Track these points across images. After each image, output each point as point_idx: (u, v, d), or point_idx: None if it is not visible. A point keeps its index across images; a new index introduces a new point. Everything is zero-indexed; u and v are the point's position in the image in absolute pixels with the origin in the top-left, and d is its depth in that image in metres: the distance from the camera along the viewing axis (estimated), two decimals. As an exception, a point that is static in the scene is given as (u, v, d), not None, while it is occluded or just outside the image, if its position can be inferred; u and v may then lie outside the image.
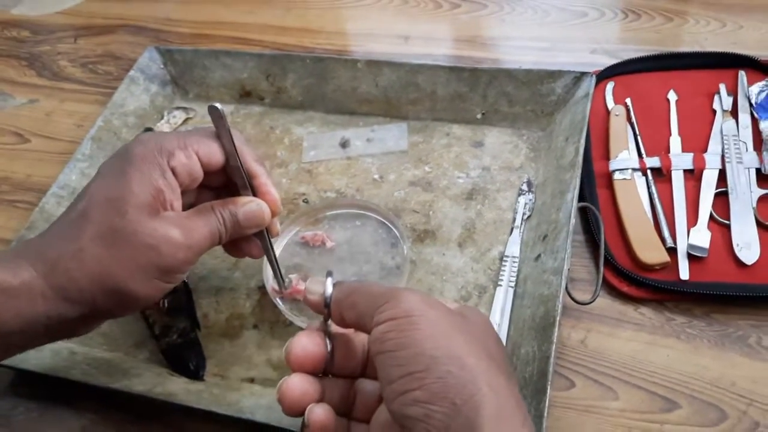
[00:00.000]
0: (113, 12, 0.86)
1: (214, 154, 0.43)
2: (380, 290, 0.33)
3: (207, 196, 0.46)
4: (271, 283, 0.53)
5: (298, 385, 0.34)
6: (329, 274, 0.36)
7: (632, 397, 0.46)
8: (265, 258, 0.53)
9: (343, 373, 0.37)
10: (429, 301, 0.32)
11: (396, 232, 0.55)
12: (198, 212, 0.42)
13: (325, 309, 0.35)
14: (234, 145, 0.43)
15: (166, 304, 0.52)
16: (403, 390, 0.29)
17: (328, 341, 0.36)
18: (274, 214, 0.46)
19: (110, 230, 0.38)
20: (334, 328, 0.37)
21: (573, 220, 0.49)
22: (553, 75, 0.59)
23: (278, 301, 0.52)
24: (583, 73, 0.58)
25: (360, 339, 0.37)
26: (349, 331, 0.37)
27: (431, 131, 0.64)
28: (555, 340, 0.44)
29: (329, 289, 0.35)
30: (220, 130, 0.43)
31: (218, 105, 0.42)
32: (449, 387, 0.28)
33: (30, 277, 0.38)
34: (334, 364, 0.36)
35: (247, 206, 0.44)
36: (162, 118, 0.69)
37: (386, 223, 0.56)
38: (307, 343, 0.35)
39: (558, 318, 0.44)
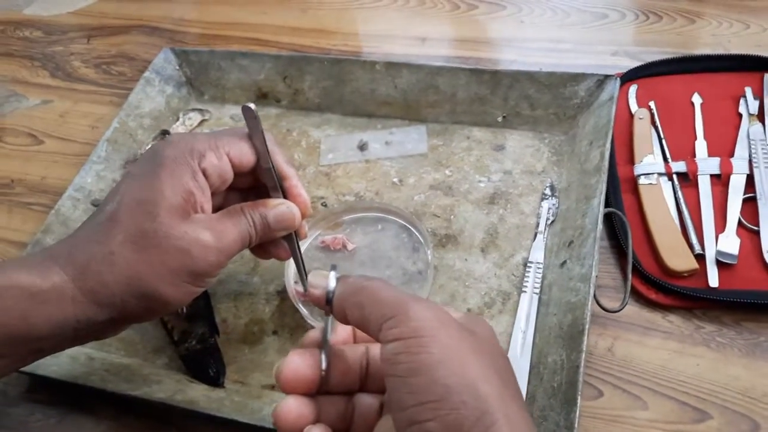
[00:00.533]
0: (126, 12, 0.85)
1: (246, 155, 0.42)
2: (388, 297, 0.31)
3: (235, 197, 0.45)
4: (293, 286, 0.52)
5: (293, 407, 0.33)
6: (333, 267, 0.34)
7: (662, 407, 0.45)
8: (284, 262, 0.53)
9: (340, 389, 0.35)
10: (439, 316, 0.30)
11: (419, 236, 0.55)
12: (228, 214, 0.42)
13: (327, 305, 0.33)
14: (266, 147, 0.43)
15: (184, 310, 0.52)
16: (417, 420, 0.28)
17: (323, 357, 0.34)
18: (304, 216, 0.46)
19: (141, 233, 0.38)
20: (334, 337, 0.36)
21: (600, 226, 0.48)
22: (576, 78, 0.59)
23: (300, 306, 0.51)
24: (607, 76, 0.57)
25: (357, 354, 0.35)
26: (346, 347, 0.36)
27: (451, 134, 0.63)
28: (584, 349, 0.43)
29: (332, 284, 0.33)
30: (253, 131, 0.42)
31: (252, 105, 0.41)
32: (464, 418, 0.27)
33: (61, 281, 0.37)
34: (330, 381, 0.34)
35: (278, 208, 0.44)
36: (177, 119, 0.69)
37: (408, 226, 0.56)
38: (300, 365, 0.33)
39: (587, 326, 0.44)
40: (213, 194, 0.42)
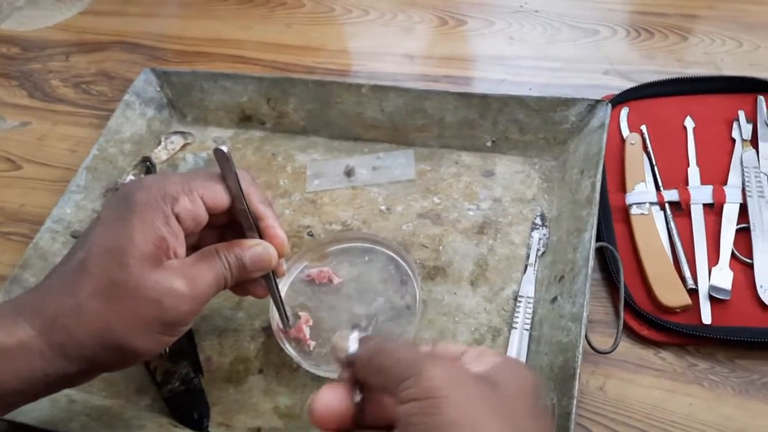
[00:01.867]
0: (106, 27, 0.83)
1: (220, 197, 0.41)
2: (405, 357, 0.31)
3: (211, 235, 0.44)
4: (277, 322, 0.51)
5: None
6: (355, 328, 0.33)
7: (654, 450, 0.44)
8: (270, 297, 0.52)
9: (378, 425, 0.34)
10: (456, 374, 0.30)
11: (407, 268, 0.53)
12: (203, 257, 0.41)
13: (349, 368, 0.33)
14: (240, 188, 0.41)
15: (167, 350, 0.50)
16: None
17: (357, 392, 0.33)
18: (280, 256, 0.45)
19: (111, 284, 0.37)
20: None
21: (591, 263, 0.47)
22: (567, 103, 0.57)
23: (286, 345, 0.50)
24: (598, 102, 0.56)
25: None
26: None
27: (439, 159, 0.62)
28: (575, 395, 0.42)
29: (353, 346, 0.32)
30: (226, 173, 0.41)
31: (224, 148, 0.40)
32: None
33: (27, 336, 0.36)
34: (365, 416, 0.33)
35: (254, 249, 0.42)
36: (159, 143, 0.67)
37: (396, 258, 0.54)
38: (331, 400, 0.32)
39: (578, 371, 0.43)
40: (187, 236, 0.41)
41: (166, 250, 0.39)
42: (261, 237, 0.44)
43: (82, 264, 0.38)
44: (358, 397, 0.33)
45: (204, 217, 0.41)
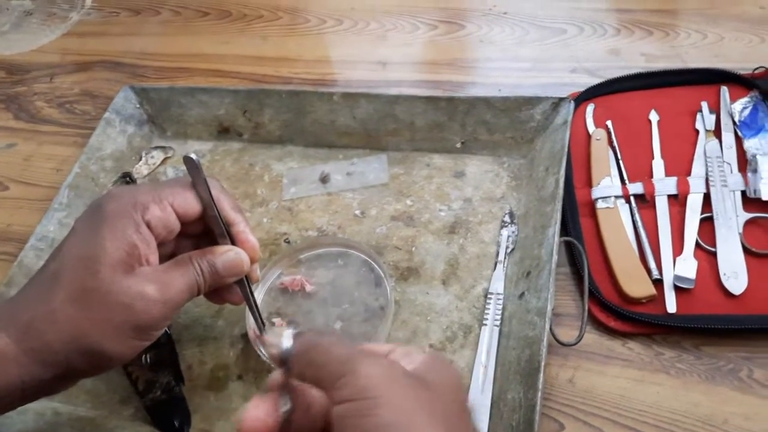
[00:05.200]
0: (88, 48, 0.84)
1: (190, 204, 0.42)
2: (341, 354, 0.31)
3: (186, 243, 0.45)
4: (253, 328, 0.52)
5: None
6: (290, 324, 0.33)
7: (622, 439, 0.45)
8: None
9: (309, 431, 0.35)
10: (389, 374, 0.30)
11: (380, 270, 0.54)
12: (175, 264, 0.42)
13: (284, 364, 0.33)
14: (210, 195, 0.43)
15: (148, 359, 0.52)
16: None
17: (285, 401, 0.33)
18: (253, 261, 0.46)
19: (83, 290, 0.38)
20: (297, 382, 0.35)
21: (555, 257, 0.48)
22: (531, 101, 0.58)
23: (262, 351, 0.51)
24: (562, 99, 0.57)
25: (322, 396, 0.34)
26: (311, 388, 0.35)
27: (412, 162, 0.63)
28: (540, 387, 0.43)
29: (287, 342, 0.32)
30: (196, 180, 0.43)
31: (193, 156, 0.41)
32: None
33: (2, 344, 0.37)
34: (294, 424, 0.33)
35: (226, 255, 0.44)
36: (140, 159, 0.69)
37: (369, 261, 0.56)
38: (258, 414, 0.32)
39: (543, 364, 0.44)
40: (160, 244, 0.42)
41: (138, 257, 0.40)
42: (233, 243, 0.45)
43: (55, 273, 0.39)
44: (286, 407, 0.33)
45: (175, 225, 0.42)
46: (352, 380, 0.29)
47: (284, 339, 0.32)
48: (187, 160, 0.42)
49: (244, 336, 0.54)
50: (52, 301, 0.38)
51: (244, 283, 0.46)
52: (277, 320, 0.53)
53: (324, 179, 0.63)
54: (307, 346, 0.32)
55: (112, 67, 0.81)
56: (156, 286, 0.40)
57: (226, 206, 0.44)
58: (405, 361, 0.32)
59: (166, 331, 0.53)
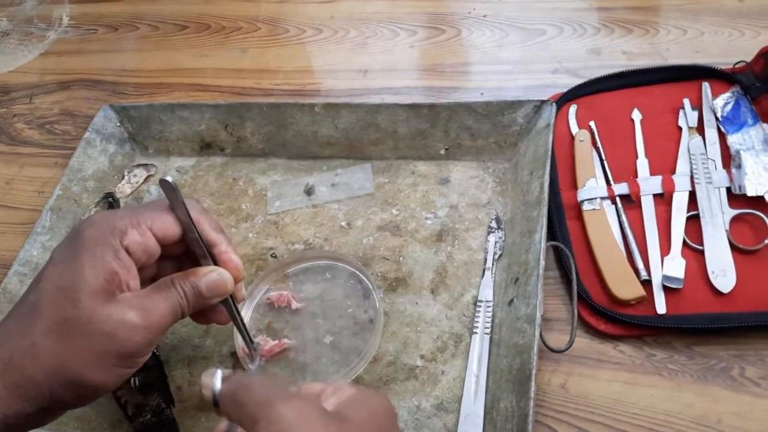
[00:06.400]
0: (66, 66, 0.84)
1: (170, 227, 0.42)
2: (260, 396, 0.32)
3: (168, 265, 0.45)
4: (241, 346, 0.52)
5: None
6: (219, 368, 0.35)
7: (617, 444, 0.45)
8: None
9: None
10: (305, 413, 0.31)
11: (368, 282, 0.54)
12: (157, 288, 0.41)
13: (216, 407, 0.34)
14: (190, 217, 0.42)
15: (137, 382, 0.51)
16: None
17: None
18: (237, 280, 0.45)
19: (63, 321, 0.37)
20: None
21: (542, 263, 0.48)
22: (513, 105, 0.58)
23: (250, 367, 0.51)
24: (543, 102, 0.57)
25: None
26: None
27: (396, 170, 0.62)
28: (532, 396, 0.42)
29: (218, 385, 0.34)
30: (174, 203, 0.42)
31: (169, 178, 0.41)
32: None
33: None
34: None
35: (209, 276, 0.43)
36: (123, 178, 0.68)
37: (357, 273, 0.55)
38: None
39: (534, 372, 0.43)
40: (141, 269, 0.41)
41: (119, 283, 0.39)
42: (216, 263, 0.44)
43: (34, 305, 0.38)
44: None
45: (155, 249, 0.41)
46: (265, 424, 0.30)
47: (215, 380, 0.34)
48: (163, 182, 0.41)
49: (234, 354, 0.53)
50: (32, 334, 0.37)
51: (229, 302, 0.46)
52: (258, 339, 0.52)
53: (309, 191, 0.63)
54: (232, 388, 0.33)
55: (92, 85, 0.81)
56: (138, 312, 0.39)
57: (206, 227, 0.44)
58: (332, 399, 0.34)
59: (154, 352, 0.52)
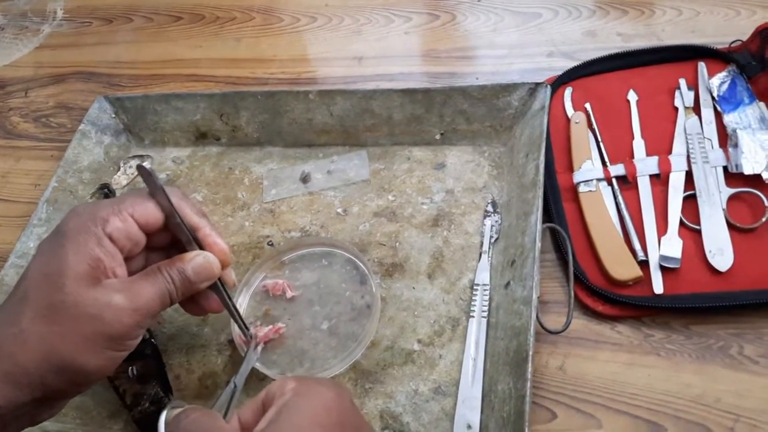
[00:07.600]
0: (61, 59, 0.83)
1: (151, 214, 0.42)
2: None
3: (156, 257, 0.45)
4: (237, 333, 0.52)
5: None
6: (175, 402, 0.37)
7: (616, 424, 0.44)
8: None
9: None
10: None
11: (364, 268, 0.54)
12: (145, 275, 0.41)
13: None
14: (169, 201, 0.42)
15: (135, 372, 0.51)
16: None
17: None
18: (224, 264, 0.45)
19: (49, 306, 0.38)
20: None
21: (538, 245, 0.47)
22: (507, 89, 0.58)
23: (247, 354, 0.50)
24: (538, 84, 0.57)
25: None
26: None
27: (392, 156, 0.62)
28: (529, 377, 0.42)
29: (162, 420, 0.36)
30: (153, 189, 0.42)
31: (146, 164, 0.41)
32: None
33: None
34: None
35: (195, 260, 0.43)
36: (119, 169, 0.68)
37: (353, 259, 0.55)
38: None
39: (531, 353, 0.43)
40: (128, 258, 0.41)
41: (104, 270, 0.39)
42: (201, 248, 0.44)
43: (22, 294, 0.39)
44: None
45: (138, 235, 0.42)
46: None
47: (159, 424, 0.35)
48: (140, 168, 0.41)
49: (231, 342, 0.53)
50: (20, 321, 0.37)
51: (220, 288, 0.46)
52: (251, 327, 0.52)
53: (305, 179, 0.62)
54: (176, 424, 0.35)
55: (87, 77, 0.80)
56: (124, 295, 0.39)
57: (188, 212, 0.44)
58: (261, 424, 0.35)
59: (151, 341, 0.53)
